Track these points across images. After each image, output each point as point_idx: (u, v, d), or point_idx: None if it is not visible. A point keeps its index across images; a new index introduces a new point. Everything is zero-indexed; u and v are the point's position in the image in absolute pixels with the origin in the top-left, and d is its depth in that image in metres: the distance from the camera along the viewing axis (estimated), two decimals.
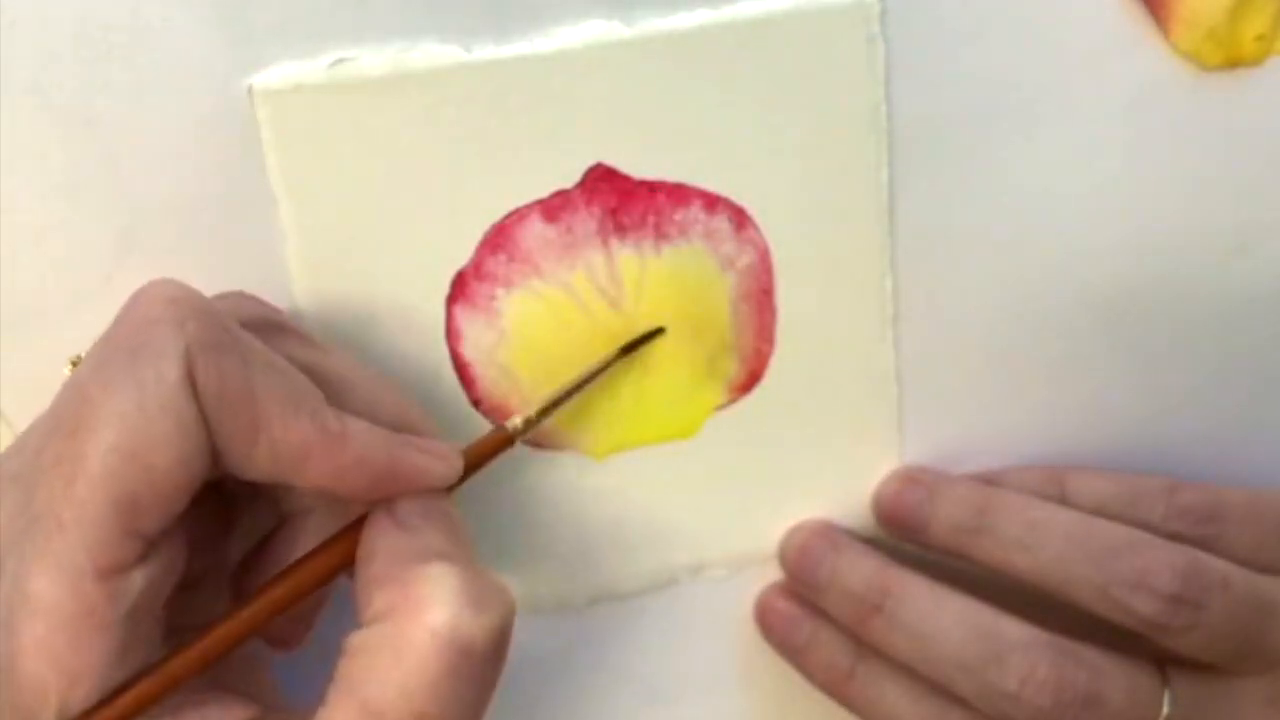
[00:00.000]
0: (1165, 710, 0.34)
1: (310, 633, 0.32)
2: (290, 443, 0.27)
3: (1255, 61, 0.35)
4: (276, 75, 0.31)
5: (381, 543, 0.29)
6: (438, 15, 0.31)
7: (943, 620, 0.35)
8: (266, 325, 0.30)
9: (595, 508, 0.36)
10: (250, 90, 0.31)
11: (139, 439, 0.26)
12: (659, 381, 0.35)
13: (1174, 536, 0.35)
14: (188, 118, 0.31)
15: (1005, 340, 0.37)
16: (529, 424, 0.33)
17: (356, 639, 0.27)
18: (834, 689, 0.37)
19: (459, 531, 0.30)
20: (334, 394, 0.29)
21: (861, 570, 0.36)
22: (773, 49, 0.33)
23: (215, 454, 0.27)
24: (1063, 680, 0.34)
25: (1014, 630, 0.35)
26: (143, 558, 0.27)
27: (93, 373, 0.27)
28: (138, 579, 0.27)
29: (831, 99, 0.33)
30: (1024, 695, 0.34)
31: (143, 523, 0.26)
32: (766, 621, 0.38)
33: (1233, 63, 0.35)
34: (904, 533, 0.37)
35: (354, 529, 0.30)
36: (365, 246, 0.33)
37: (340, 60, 0.31)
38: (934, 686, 0.35)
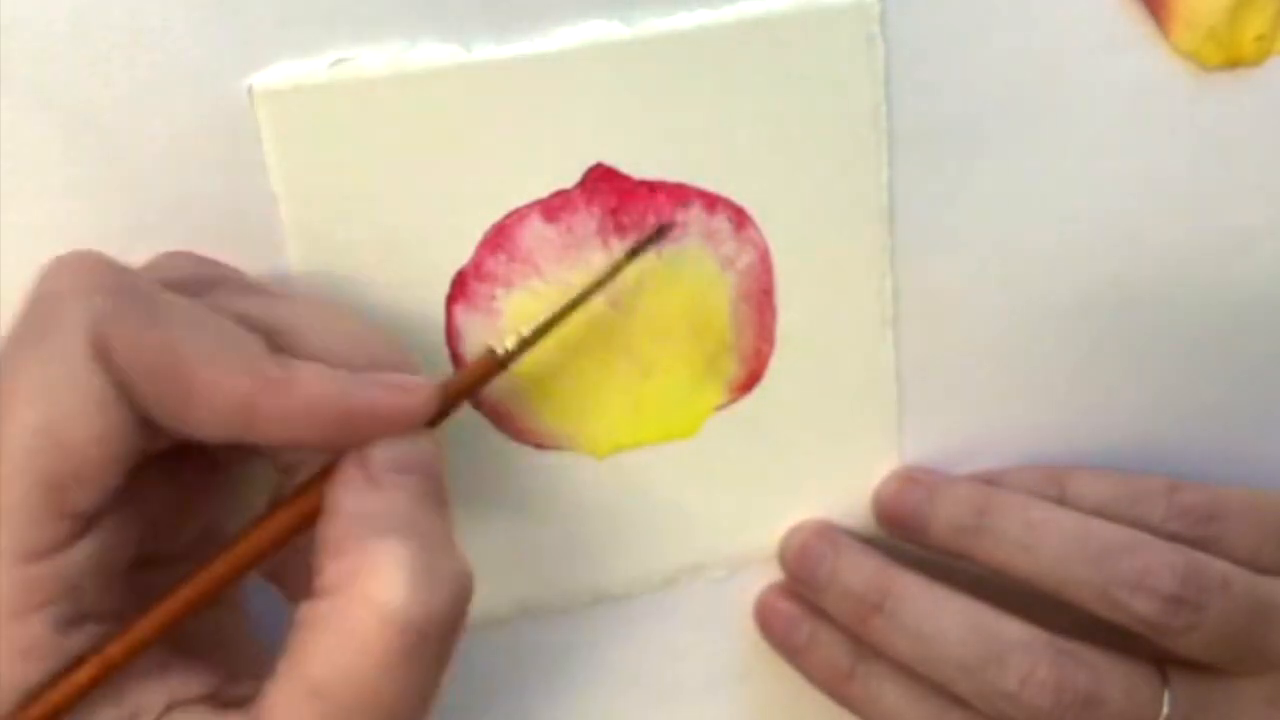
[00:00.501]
0: (1165, 710, 0.34)
1: None
2: (228, 397, 0.26)
3: (1255, 61, 0.35)
4: (276, 75, 0.31)
5: (344, 500, 0.27)
6: (438, 15, 0.31)
7: (943, 620, 0.35)
8: (200, 282, 0.29)
9: (595, 508, 0.36)
10: (250, 90, 0.31)
11: (52, 418, 0.26)
12: (659, 381, 0.35)
13: (1174, 537, 0.35)
14: (188, 118, 0.31)
15: (1005, 340, 0.37)
16: (523, 344, 0.31)
17: (306, 610, 0.27)
18: (834, 689, 0.37)
19: (438, 488, 0.28)
20: (284, 341, 0.28)
21: (862, 570, 0.36)
22: (773, 49, 0.33)
23: (147, 423, 0.27)
24: (1062, 680, 0.34)
25: (1014, 630, 0.35)
26: (79, 534, 0.26)
27: (4, 357, 0.26)
28: (75, 555, 0.26)
29: (831, 99, 0.33)
30: (1024, 695, 0.34)
31: (72, 502, 0.26)
32: (766, 621, 0.38)
33: (1233, 63, 0.35)
34: (904, 533, 0.37)
35: (324, 476, 0.28)
36: (365, 246, 0.33)
37: (340, 60, 0.31)
38: (934, 687, 0.35)
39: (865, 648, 0.37)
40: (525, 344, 0.31)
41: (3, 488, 0.25)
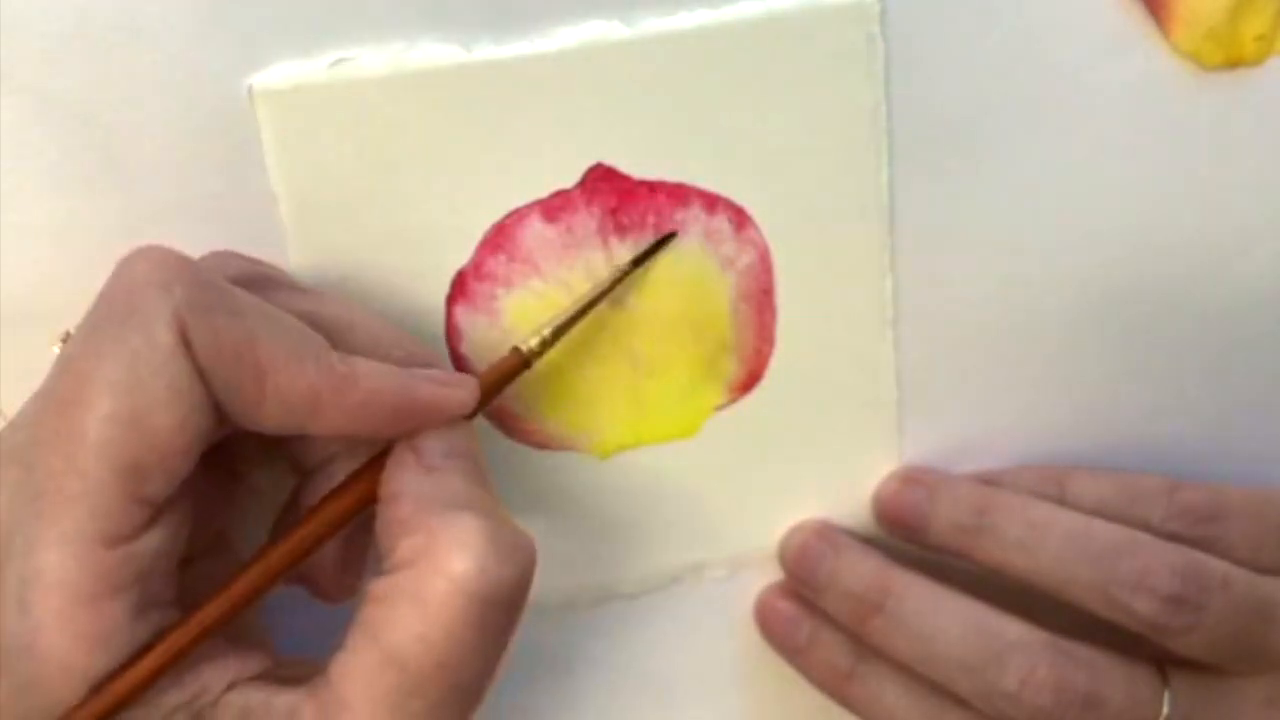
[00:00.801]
0: (1165, 711, 0.34)
1: (359, 582, 0.32)
2: (298, 390, 0.28)
3: (1255, 61, 0.35)
4: (276, 75, 0.31)
5: (406, 485, 0.29)
6: (438, 15, 0.31)
7: (943, 620, 0.35)
8: (256, 279, 0.30)
9: (596, 507, 0.36)
10: (250, 90, 0.31)
11: (136, 405, 0.26)
12: (660, 381, 0.35)
13: (1174, 537, 0.35)
14: (188, 118, 0.31)
15: (1005, 340, 0.37)
16: (544, 344, 0.32)
17: (380, 585, 0.28)
18: (834, 689, 0.37)
19: (482, 471, 0.30)
20: (336, 338, 0.29)
21: (861, 571, 0.36)
22: (773, 49, 0.33)
23: (220, 412, 0.27)
24: (1063, 680, 0.34)
25: (1014, 630, 0.35)
26: (151, 522, 0.27)
27: (83, 345, 0.27)
28: (147, 543, 0.27)
29: (831, 99, 0.33)
30: (1024, 695, 0.34)
31: (148, 488, 0.27)
32: (766, 621, 0.38)
33: (1233, 63, 0.35)
34: (904, 532, 0.37)
35: (375, 466, 0.30)
36: (365, 246, 0.33)
37: (340, 60, 0.31)
38: (934, 686, 0.35)
39: (865, 648, 0.37)
40: (546, 344, 0.32)
41: (85, 472, 0.26)
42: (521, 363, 0.32)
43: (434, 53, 0.32)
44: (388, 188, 0.32)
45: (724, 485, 0.37)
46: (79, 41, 0.30)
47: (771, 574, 0.38)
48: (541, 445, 0.35)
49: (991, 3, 0.34)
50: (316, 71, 0.31)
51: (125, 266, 0.28)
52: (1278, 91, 0.36)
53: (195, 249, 0.32)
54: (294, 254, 0.33)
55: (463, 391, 0.30)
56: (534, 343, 0.32)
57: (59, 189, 0.31)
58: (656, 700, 0.39)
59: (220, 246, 0.32)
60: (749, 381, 0.36)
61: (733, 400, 0.36)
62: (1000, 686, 0.34)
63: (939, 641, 0.35)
